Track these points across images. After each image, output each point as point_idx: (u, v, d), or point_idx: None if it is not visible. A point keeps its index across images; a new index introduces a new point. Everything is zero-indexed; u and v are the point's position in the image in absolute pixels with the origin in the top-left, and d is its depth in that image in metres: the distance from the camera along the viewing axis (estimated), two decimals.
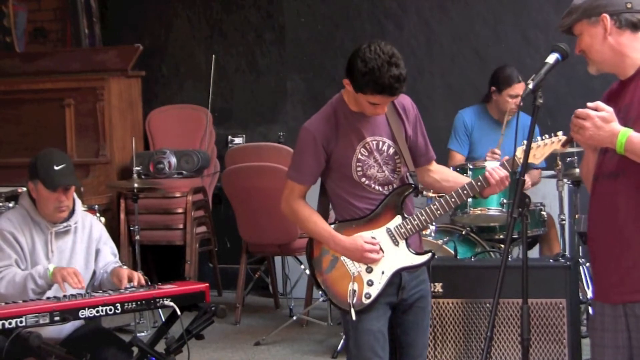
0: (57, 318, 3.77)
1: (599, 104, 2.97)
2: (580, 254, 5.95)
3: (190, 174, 7.49)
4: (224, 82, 8.05)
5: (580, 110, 2.97)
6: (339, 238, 3.59)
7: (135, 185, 6.46)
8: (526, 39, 7.18)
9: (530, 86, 3.04)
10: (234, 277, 7.03)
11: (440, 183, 3.79)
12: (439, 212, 3.59)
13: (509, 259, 3.97)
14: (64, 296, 3.95)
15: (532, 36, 7.16)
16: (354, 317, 3.55)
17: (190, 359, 4.18)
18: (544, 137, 3.58)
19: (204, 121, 7.74)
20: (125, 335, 4.86)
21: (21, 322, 3.67)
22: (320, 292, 3.82)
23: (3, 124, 7.68)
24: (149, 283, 4.21)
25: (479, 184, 3.58)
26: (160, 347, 4.18)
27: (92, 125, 7.50)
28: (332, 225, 3.63)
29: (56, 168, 4.17)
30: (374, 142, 3.60)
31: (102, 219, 5.76)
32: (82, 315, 3.85)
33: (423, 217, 3.59)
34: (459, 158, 6.09)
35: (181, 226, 7.28)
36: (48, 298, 4.01)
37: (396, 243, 3.60)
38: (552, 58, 3.10)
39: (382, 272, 3.58)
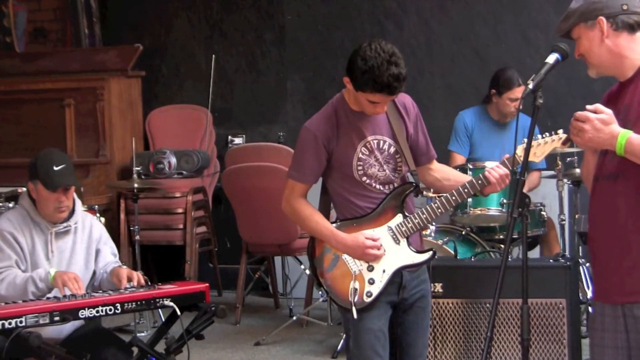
0: (57, 318, 3.76)
1: (598, 106, 2.97)
2: (580, 254, 5.95)
3: (190, 174, 7.49)
4: (224, 82, 8.05)
5: (579, 113, 2.97)
6: (341, 236, 3.59)
7: (135, 185, 6.46)
8: (526, 39, 7.18)
9: (530, 86, 3.04)
10: (234, 277, 7.03)
11: (442, 182, 3.79)
12: (439, 210, 3.59)
13: (509, 259, 3.97)
14: (64, 296, 3.95)
15: (532, 36, 7.16)
16: (355, 316, 3.55)
17: (190, 359, 4.18)
18: (544, 135, 3.58)
19: (204, 121, 7.74)
20: (125, 335, 4.86)
21: (21, 322, 3.67)
22: (320, 292, 3.83)
23: (3, 124, 7.68)
24: (149, 283, 4.21)
25: (479, 182, 3.58)
26: (160, 347, 4.18)
27: (92, 125, 7.50)
28: (334, 224, 3.63)
29: (56, 168, 4.17)
30: (375, 141, 3.60)
31: (102, 219, 5.77)
32: (82, 315, 3.84)
33: (424, 216, 3.59)
34: (459, 159, 6.10)
35: (181, 226, 7.28)
36: (48, 298, 4.01)
37: (397, 241, 3.60)
38: (552, 58, 3.10)
39: (384, 271, 3.58)
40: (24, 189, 4.55)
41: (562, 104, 6.52)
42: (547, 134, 3.58)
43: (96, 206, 6.37)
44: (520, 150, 3.50)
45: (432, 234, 5.56)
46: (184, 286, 4.19)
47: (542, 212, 5.86)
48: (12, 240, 4.15)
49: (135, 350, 4.19)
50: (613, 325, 3.03)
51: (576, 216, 5.94)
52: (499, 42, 7.29)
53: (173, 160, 7.46)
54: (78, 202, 4.36)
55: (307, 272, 6.63)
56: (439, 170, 3.81)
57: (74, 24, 8.34)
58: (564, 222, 5.94)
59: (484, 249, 5.60)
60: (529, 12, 7.21)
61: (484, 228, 5.86)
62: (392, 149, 3.62)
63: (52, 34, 8.56)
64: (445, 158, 5.82)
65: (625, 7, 3.02)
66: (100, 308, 3.87)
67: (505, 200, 5.44)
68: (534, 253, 6.21)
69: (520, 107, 3.10)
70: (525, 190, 5.88)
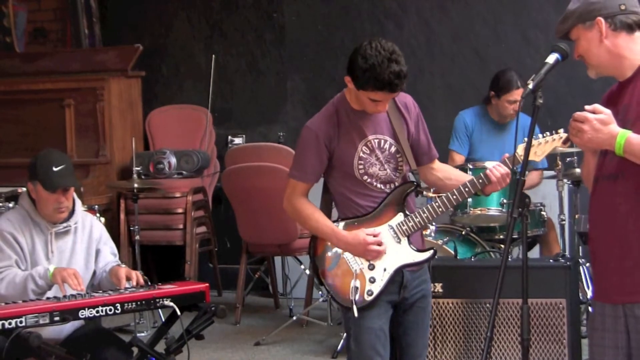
0: (57, 318, 3.76)
1: (597, 106, 2.96)
2: (580, 254, 5.95)
3: (190, 174, 7.49)
4: (224, 82, 8.05)
5: (578, 113, 2.96)
6: (342, 234, 3.60)
7: (135, 185, 6.46)
8: (526, 39, 7.18)
9: (530, 86, 3.03)
10: (234, 277, 7.03)
11: (443, 181, 3.79)
12: (440, 209, 3.60)
13: (509, 259, 3.97)
14: (64, 296, 3.95)
15: (532, 36, 7.15)
16: (356, 314, 3.56)
17: (190, 359, 4.18)
18: (545, 135, 3.58)
19: (204, 121, 7.74)
20: (125, 335, 4.86)
21: (21, 322, 3.67)
22: (320, 292, 3.83)
23: (3, 124, 7.68)
24: (149, 283, 4.21)
25: (480, 181, 3.59)
26: (160, 347, 4.18)
27: (92, 126, 7.50)
28: (335, 223, 3.64)
29: (55, 169, 4.17)
30: (376, 141, 3.61)
31: (102, 219, 5.76)
32: (82, 315, 3.84)
33: (425, 215, 3.60)
34: (459, 159, 6.11)
35: (181, 226, 7.28)
36: (48, 298, 4.01)
37: (398, 240, 3.60)
38: (552, 58, 3.10)
39: (384, 269, 3.58)
40: (24, 189, 4.55)
41: (562, 104, 6.52)
42: (548, 133, 3.58)
43: (96, 206, 6.37)
44: (520, 150, 3.50)
45: (432, 234, 5.56)
46: (184, 286, 4.19)
47: (542, 212, 5.87)
48: (12, 241, 4.15)
49: (135, 350, 4.19)
50: (613, 325, 3.03)
51: (576, 216, 5.94)
52: (499, 42, 7.29)
53: (173, 160, 7.46)
54: (78, 202, 4.36)
55: (307, 272, 6.64)
56: (441, 170, 3.81)
57: (74, 24, 8.34)
58: (564, 222, 5.94)
59: (484, 249, 5.59)
60: (529, 12, 7.21)
61: (484, 228, 5.86)
62: (393, 149, 3.63)
63: (52, 34, 8.56)
64: (445, 158, 5.82)
65: (623, 7, 3.02)
66: (100, 308, 3.87)
67: (505, 200, 5.44)
68: (534, 253, 6.21)
69: (520, 107, 3.10)
70: (524, 187, 5.93)
